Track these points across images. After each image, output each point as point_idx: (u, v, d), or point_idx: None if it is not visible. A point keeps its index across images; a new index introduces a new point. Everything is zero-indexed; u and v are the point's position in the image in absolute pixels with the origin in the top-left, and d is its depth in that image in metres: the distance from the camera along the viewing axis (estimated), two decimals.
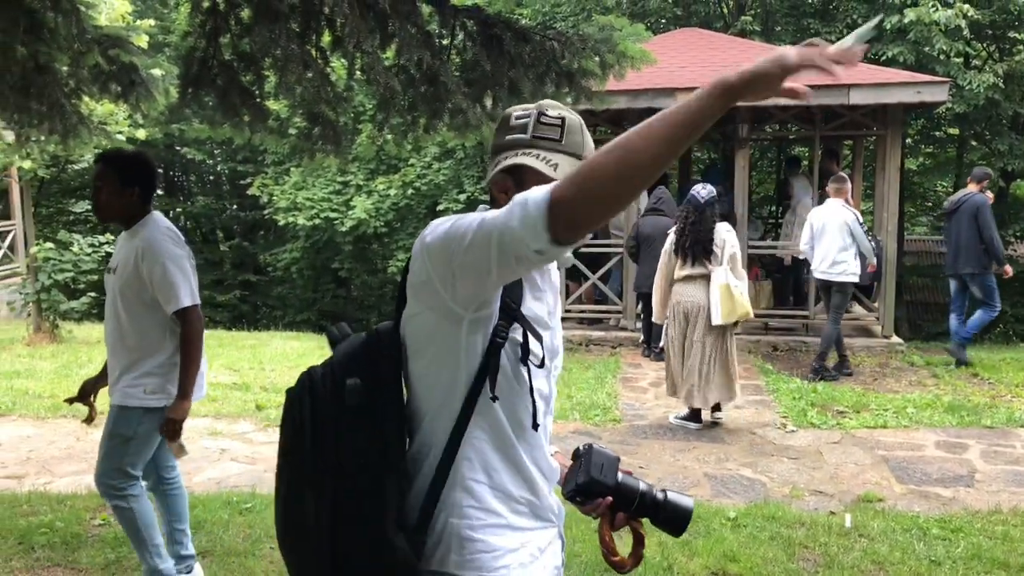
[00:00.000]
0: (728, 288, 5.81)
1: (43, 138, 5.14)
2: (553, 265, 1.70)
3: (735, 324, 6.04)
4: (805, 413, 6.59)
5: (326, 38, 3.93)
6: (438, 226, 1.42)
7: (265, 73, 4.03)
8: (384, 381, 1.51)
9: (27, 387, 7.52)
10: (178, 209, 20.73)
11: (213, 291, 18.68)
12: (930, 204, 19.01)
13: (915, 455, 5.66)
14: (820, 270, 7.73)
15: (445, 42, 4.05)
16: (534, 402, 1.52)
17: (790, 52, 1.22)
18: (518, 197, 1.29)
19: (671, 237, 6.10)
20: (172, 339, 3.28)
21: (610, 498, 1.60)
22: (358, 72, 3.93)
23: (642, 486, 1.62)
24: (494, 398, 1.48)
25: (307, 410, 1.51)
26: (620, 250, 9.17)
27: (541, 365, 1.52)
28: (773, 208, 15.00)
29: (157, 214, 3.36)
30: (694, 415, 6.28)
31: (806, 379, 7.74)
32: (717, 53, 10.04)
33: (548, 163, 1.50)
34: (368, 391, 1.48)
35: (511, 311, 1.49)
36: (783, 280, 10.29)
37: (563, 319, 4.78)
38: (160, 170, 20.85)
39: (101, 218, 3.46)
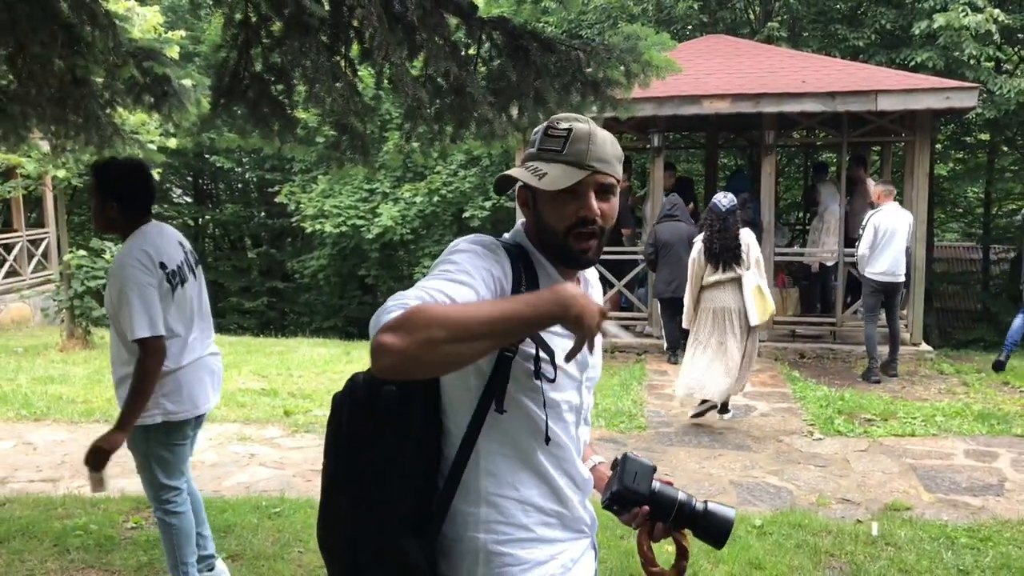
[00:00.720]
0: (760, 289, 6.07)
1: (78, 148, 5.24)
2: (593, 276, 1.73)
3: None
4: (832, 421, 6.56)
5: (355, 50, 3.98)
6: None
7: (295, 84, 4.09)
8: (418, 390, 1.53)
9: (61, 392, 7.66)
10: (207, 216, 21.03)
11: (241, 298, 18.93)
12: (960, 210, 18.76)
13: (944, 463, 5.61)
14: (890, 273, 7.79)
15: (472, 53, 4.09)
16: (547, 415, 1.53)
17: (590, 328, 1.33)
18: (388, 302, 1.35)
19: (698, 245, 6.19)
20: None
21: (647, 507, 1.60)
22: (386, 82, 3.96)
23: (681, 496, 1.62)
24: (501, 411, 1.50)
25: (346, 413, 1.55)
26: None
27: (553, 380, 1.52)
28: (800, 215, 14.90)
29: (146, 229, 3.19)
30: (722, 407, 6.45)
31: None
32: (743, 60, 10.00)
33: (535, 172, 1.52)
34: (401, 399, 1.51)
35: None
36: (810, 287, 10.21)
37: None
38: (189, 178, 21.14)
39: (96, 228, 3.33)
